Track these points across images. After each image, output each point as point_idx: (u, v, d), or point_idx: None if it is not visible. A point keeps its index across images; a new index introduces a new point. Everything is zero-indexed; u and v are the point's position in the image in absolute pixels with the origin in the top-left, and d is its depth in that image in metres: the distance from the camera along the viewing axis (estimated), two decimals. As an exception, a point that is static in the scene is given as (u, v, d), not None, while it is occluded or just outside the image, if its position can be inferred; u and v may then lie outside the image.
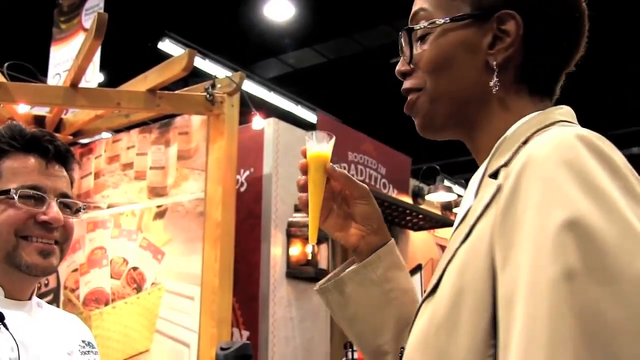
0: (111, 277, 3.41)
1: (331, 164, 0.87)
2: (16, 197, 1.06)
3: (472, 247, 0.60)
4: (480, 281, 0.57)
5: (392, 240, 0.90)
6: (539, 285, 0.50)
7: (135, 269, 3.34)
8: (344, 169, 1.01)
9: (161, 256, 3.27)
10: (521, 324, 0.51)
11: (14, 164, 1.10)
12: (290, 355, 3.70)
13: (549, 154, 0.56)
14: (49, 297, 3.57)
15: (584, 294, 0.49)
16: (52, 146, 1.12)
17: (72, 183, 1.17)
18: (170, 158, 3.36)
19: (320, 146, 0.88)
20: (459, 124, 0.74)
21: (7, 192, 1.07)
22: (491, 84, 0.69)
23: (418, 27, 0.74)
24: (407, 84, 0.76)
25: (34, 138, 1.12)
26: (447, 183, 5.17)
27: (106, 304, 3.39)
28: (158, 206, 3.34)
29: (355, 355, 3.07)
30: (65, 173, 1.15)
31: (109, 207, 3.54)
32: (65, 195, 1.13)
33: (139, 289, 3.29)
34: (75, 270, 3.55)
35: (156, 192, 3.38)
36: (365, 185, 0.90)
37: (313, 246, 3.66)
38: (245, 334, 3.58)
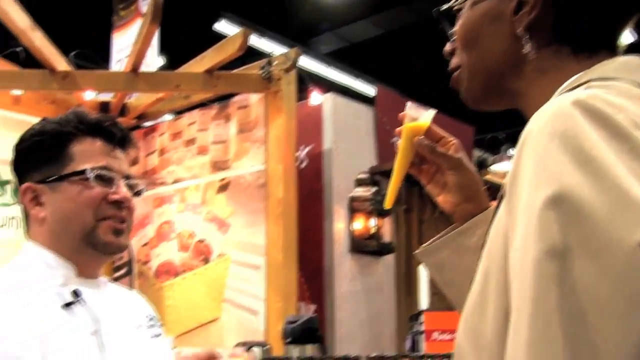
0: (179, 249, 3.53)
1: (422, 137, 0.88)
2: (92, 177, 1.10)
3: (496, 227, 0.60)
4: (500, 262, 0.57)
5: (492, 207, 0.88)
6: (526, 266, 0.49)
7: (201, 241, 3.44)
8: None
9: (226, 228, 3.35)
10: (515, 305, 0.50)
11: (82, 147, 1.14)
12: (357, 327, 3.73)
13: (543, 126, 0.53)
14: (124, 270, 3.74)
15: (568, 272, 0.46)
16: (117, 129, 1.16)
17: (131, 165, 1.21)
18: (230, 132, 3.42)
19: (415, 117, 0.89)
20: (500, 96, 0.72)
21: (83, 172, 1.11)
22: (524, 51, 0.66)
23: (447, 7, 0.74)
24: (452, 62, 0.76)
25: (99, 122, 1.16)
26: (511, 153, 5.02)
27: (176, 275, 3.52)
28: (221, 179, 3.42)
29: (422, 328, 3.06)
30: (125, 156, 1.19)
31: (174, 182, 3.65)
32: (129, 177, 1.16)
33: (206, 260, 3.39)
34: (146, 244, 3.70)
35: (218, 166, 3.45)
36: (458, 156, 0.89)
37: (376, 220, 3.66)
38: (312, 307, 3.64)
